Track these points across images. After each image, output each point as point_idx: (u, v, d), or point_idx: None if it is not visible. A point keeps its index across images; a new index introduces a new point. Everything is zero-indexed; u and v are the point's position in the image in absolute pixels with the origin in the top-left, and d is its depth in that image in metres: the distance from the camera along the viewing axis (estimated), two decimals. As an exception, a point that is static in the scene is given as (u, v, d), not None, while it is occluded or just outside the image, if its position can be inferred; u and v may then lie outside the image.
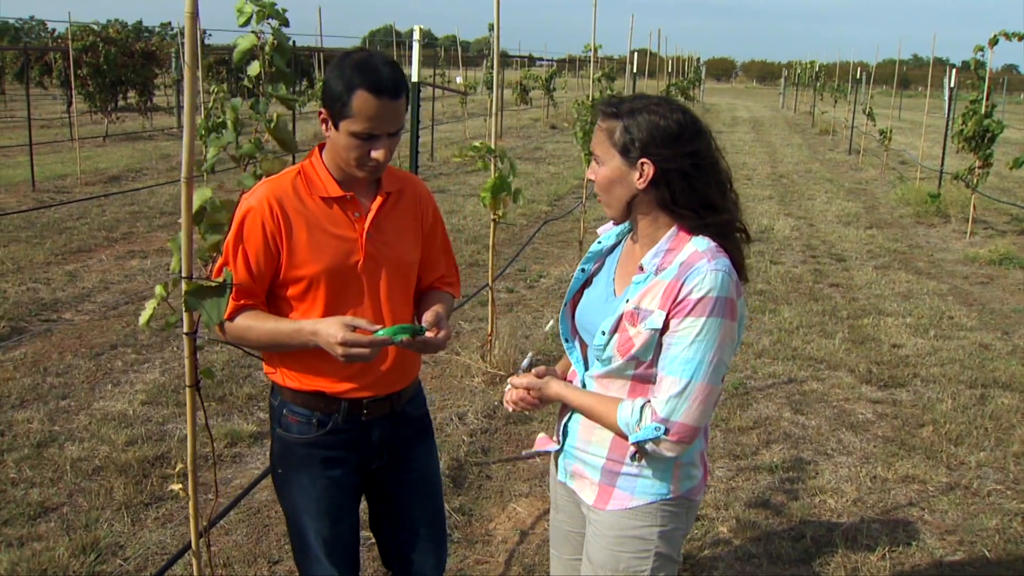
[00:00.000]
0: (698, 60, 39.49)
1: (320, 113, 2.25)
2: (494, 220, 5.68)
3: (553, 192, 14.04)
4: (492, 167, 5.51)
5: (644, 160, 1.99)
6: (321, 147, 2.38)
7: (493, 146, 5.47)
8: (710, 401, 1.96)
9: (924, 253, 10.51)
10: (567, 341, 2.26)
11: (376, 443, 2.45)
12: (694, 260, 1.97)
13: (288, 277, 2.30)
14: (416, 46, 3.92)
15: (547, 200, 13.27)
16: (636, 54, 17.36)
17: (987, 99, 11.20)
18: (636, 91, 15.90)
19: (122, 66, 21.09)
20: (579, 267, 2.27)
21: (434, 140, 19.22)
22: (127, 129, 21.64)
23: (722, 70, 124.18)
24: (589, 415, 2.10)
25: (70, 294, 7.74)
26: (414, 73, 4.00)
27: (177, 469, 2.55)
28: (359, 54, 2.24)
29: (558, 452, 2.27)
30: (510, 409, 2.26)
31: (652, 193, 2.01)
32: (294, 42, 14.74)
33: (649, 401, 1.98)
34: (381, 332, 2.14)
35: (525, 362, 2.30)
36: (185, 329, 2.39)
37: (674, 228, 2.05)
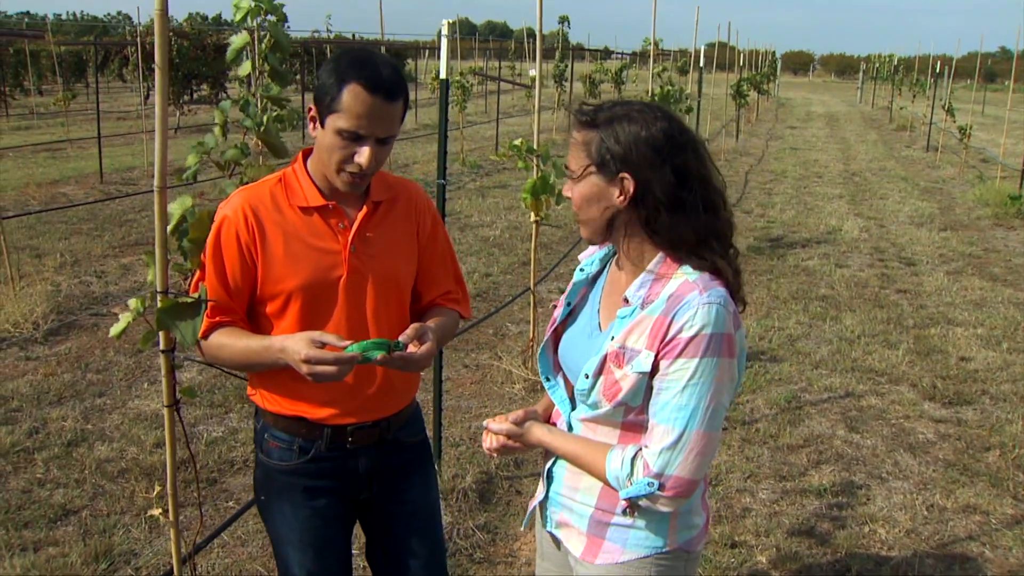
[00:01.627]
0: (773, 53, 38.52)
1: (309, 110, 2.09)
2: (535, 222, 5.48)
3: (614, 189, 13.73)
4: (534, 167, 5.31)
5: (624, 175, 1.77)
6: (305, 153, 2.21)
7: (535, 145, 5.28)
8: (708, 451, 1.74)
9: (1001, 258, 9.95)
10: (548, 380, 2.05)
11: (364, 473, 2.28)
12: (684, 292, 1.74)
13: (265, 293, 2.14)
14: (444, 41, 3.73)
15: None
16: (705, 47, 16.94)
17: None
18: (703, 86, 15.46)
19: (194, 59, 21.45)
20: (564, 301, 2.05)
21: (499, 134, 19.08)
22: (199, 122, 21.98)
23: (799, 64, 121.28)
24: (575, 463, 1.90)
25: (122, 288, 7.79)
26: (443, 69, 3.81)
27: (156, 492, 2.42)
28: (359, 50, 2.07)
29: (543, 501, 2.06)
30: (492, 456, 2.07)
31: (634, 212, 1.79)
32: (354, 35, 14.69)
33: (641, 450, 1.77)
34: (351, 348, 1.95)
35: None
36: (161, 347, 2.26)
37: (661, 253, 1.82)
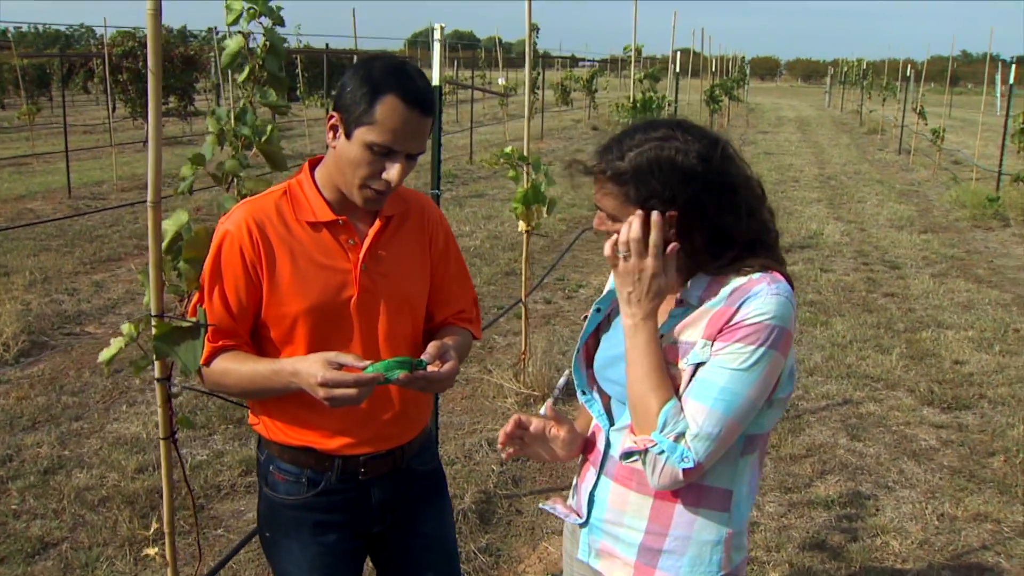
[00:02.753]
0: (742, 59, 38.75)
1: (330, 118, 1.92)
2: (527, 232, 5.34)
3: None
4: (524, 176, 5.17)
5: (672, 213, 1.66)
6: (312, 163, 2.05)
7: (526, 153, 5.14)
8: (728, 443, 1.63)
9: (983, 259, 9.96)
10: (584, 394, 1.91)
11: (376, 505, 2.12)
12: (750, 286, 1.64)
13: (270, 315, 1.97)
14: (437, 46, 3.59)
15: (588, 204, 12.89)
16: (679, 54, 16.93)
17: (1051, 96, 10.62)
18: (679, 92, 15.43)
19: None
20: (594, 306, 1.91)
21: (473, 142, 18.95)
22: (167, 134, 21.61)
23: (766, 69, 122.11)
24: (641, 373, 1.64)
25: (95, 305, 7.55)
26: (435, 75, 3.67)
27: (152, 531, 2.25)
28: (391, 58, 1.92)
29: (580, 526, 1.90)
30: (500, 439, 1.87)
31: (684, 241, 1.68)
32: (328, 45, 14.52)
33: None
34: (371, 368, 1.80)
35: (542, 410, 1.96)
36: (157, 374, 2.09)
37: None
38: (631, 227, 1.65)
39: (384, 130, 1.84)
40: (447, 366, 1.90)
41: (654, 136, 1.68)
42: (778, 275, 1.68)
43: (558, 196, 5.48)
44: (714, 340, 1.63)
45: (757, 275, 1.67)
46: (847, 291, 8.38)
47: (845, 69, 40.90)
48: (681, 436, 1.60)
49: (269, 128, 2.23)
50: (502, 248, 9.90)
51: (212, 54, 25.43)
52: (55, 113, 28.33)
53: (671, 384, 1.65)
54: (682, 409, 1.62)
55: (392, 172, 1.88)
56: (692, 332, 1.66)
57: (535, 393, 5.56)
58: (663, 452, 1.60)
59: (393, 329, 2.04)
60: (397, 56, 1.98)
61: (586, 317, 1.94)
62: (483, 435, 5.04)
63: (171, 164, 16.76)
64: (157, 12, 1.80)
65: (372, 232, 2.02)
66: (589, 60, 41.77)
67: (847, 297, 8.16)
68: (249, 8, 2.34)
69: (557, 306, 7.84)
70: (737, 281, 1.67)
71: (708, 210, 1.66)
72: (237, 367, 1.94)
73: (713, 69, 24.24)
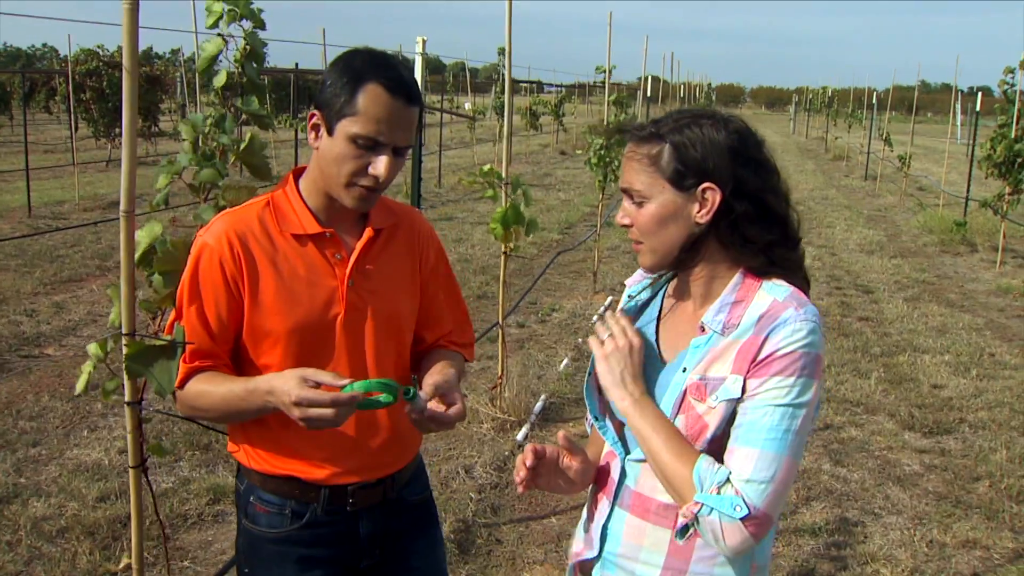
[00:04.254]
0: (709, 85, 39.14)
1: (311, 116, 1.80)
2: (505, 253, 5.22)
3: (564, 220, 13.61)
4: (503, 196, 5.06)
5: (707, 185, 1.56)
6: (296, 174, 1.92)
7: (504, 173, 5.03)
8: (791, 483, 1.52)
9: (954, 284, 10.01)
10: (598, 419, 1.79)
11: (365, 538, 1.98)
12: (777, 311, 1.55)
13: (251, 334, 1.83)
14: (419, 59, 3.48)
15: (558, 228, 12.83)
16: (646, 80, 17.01)
17: (1016, 123, 10.75)
18: (650, 117, 15.42)
19: (126, 90, 20.78)
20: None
21: (441, 166, 18.85)
22: (130, 154, 21.26)
23: (730, 96, 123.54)
24: (659, 447, 1.55)
25: (55, 327, 7.30)
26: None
27: (121, 565, 2.09)
28: (371, 50, 1.82)
29: (592, 561, 1.76)
30: (522, 474, 1.67)
31: (714, 229, 1.59)
32: (297, 64, 14.38)
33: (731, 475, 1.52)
34: (350, 387, 1.65)
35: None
36: (127, 397, 1.94)
37: (738, 274, 1.62)
38: (615, 311, 1.65)
39: (368, 120, 1.73)
40: (454, 410, 1.80)
41: (689, 113, 1.63)
42: (802, 295, 1.61)
43: (533, 216, 5.37)
44: (746, 376, 1.53)
45: (783, 296, 1.57)
46: (822, 315, 8.30)
47: (810, 97, 41.51)
48: (723, 485, 1.48)
49: (248, 135, 2.09)
50: (473, 271, 9.77)
51: (178, 74, 25.21)
52: (15, 132, 27.82)
53: (691, 445, 1.55)
54: (716, 460, 1.52)
55: (379, 166, 1.76)
56: (720, 367, 1.56)
57: (511, 418, 5.43)
58: (712, 510, 1.48)
59: (381, 348, 1.91)
60: (377, 50, 1.86)
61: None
62: (459, 462, 4.89)
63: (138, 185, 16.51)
64: (134, 8, 1.67)
65: (360, 246, 1.89)
66: (555, 85, 41.90)
67: (822, 322, 8.11)
68: (230, 10, 2.21)
69: (531, 330, 7.72)
70: (761, 304, 1.57)
71: (747, 185, 1.58)
72: (212, 388, 1.80)
73: (682, 95, 24.41)
